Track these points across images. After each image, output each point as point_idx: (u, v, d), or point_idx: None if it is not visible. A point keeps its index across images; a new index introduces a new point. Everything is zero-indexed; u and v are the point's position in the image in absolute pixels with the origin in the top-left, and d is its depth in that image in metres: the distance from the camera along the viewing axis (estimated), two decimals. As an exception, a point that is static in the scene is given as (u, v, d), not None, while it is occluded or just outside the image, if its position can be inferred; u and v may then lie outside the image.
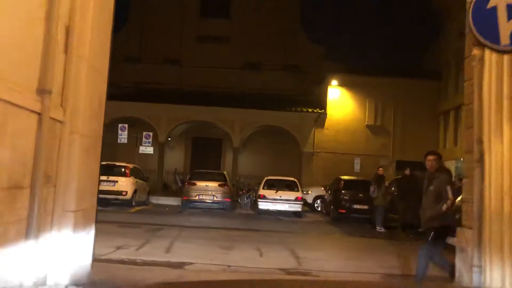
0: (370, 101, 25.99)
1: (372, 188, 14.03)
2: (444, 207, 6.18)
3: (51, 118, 4.60)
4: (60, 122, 4.98)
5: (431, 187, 6.45)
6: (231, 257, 8.65)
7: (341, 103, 26.11)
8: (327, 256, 9.32)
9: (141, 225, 12.30)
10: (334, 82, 25.89)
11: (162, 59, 28.47)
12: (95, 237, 6.22)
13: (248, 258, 8.58)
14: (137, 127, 24.15)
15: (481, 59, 5.78)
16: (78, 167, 5.20)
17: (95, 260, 6.38)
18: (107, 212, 15.48)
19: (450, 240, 8.77)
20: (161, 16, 28.38)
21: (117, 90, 27.47)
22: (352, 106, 26.09)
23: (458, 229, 6.30)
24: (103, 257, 7.69)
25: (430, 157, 6.78)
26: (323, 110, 25.74)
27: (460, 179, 14.52)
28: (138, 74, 28.29)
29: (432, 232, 6.35)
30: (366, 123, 25.98)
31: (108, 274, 6.25)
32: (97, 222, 12.21)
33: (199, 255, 8.50)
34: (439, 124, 26.14)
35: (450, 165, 25.08)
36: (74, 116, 5.14)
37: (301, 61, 28.24)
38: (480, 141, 5.70)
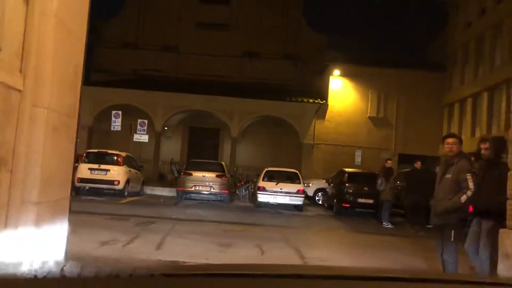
0: (372, 92, 24.89)
1: (379, 181, 12.98)
2: (464, 198, 5.05)
3: (2, 83, 3.52)
4: (18, 91, 3.89)
5: (448, 175, 5.31)
6: (229, 255, 7.62)
7: (343, 94, 25.00)
8: (336, 255, 8.29)
9: (132, 217, 11.23)
10: (336, 72, 24.76)
11: (160, 46, 27.34)
12: (69, 232, 5.13)
13: (248, 257, 7.55)
14: (133, 115, 23.04)
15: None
16: (43, 150, 4.10)
17: (73, 259, 5.32)
18: (97, 202, 14.44)
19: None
20: (159, 1, 27.18)
21: (113, 77, 26.52)
22: (354, 97, 25.00)
23: (502, 231, 5.25)
24: (83, 255, 6.63)
25: (450, 140, 5.71)
26: (324, 101, 24.65)
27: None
28: (135, 60, 27.20)
29: (453, 231, 5.26)
30: (368, 114, 24.91)
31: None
32: (84, 213, 11.16)
33: (193, 253, 7.47)
34: (443, 116, 25.08)
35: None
36: (38, 85, 4.03)
37: (302, 50, 27.15)
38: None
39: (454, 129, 23.99)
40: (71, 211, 10.78)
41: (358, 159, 24.55)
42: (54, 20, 4.11)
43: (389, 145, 25.13)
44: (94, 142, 24.23)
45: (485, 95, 21.02)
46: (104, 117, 23.91)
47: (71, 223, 8.99)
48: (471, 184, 5.09)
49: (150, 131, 23.87)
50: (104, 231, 9.05)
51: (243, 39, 27.13)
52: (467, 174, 5.12)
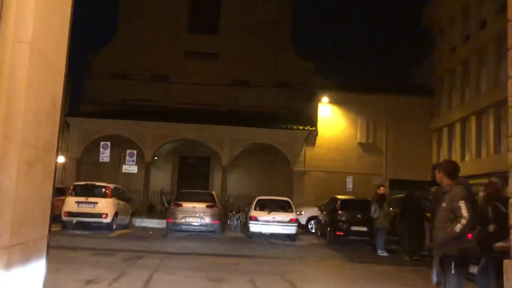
0: (361, 118, 24.82)
1: (373, 208, 12.64)
2: (458, 227, 4.70)
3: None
4: (-14, 124, 3.56)
5: (443, 204, 5.00)
6: (220, 292, 7.18)
7: (332, 120, 24.90)
8: (332, 289, 7.88)
9: (120, 252, 10.73)
10: (325, 99, 24.71)
11: (149, 76, 27.22)
12: (46, 274, 4.70)
13: (240, 294, 7.12)
14: (122, 146, 22.63)
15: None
16: (15, 188, 3.74)
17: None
18: (84, 237, 13.89)
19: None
20: (148, 32, 27.22)
21: (102, 108, 26.22)
22: (344, 124, 24.89)
23: (506, 262, 4.93)
24: (65, 298, 6.18)
25: (436, 171, 5.43)
26: (313, 128, 24.51)
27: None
28: (125, 91, 27.03)
29: (453, 262, 4.89)
30: (358, 140, 24.76)
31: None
32: (69, 249, 10.63)
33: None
34: (432, 141, 25.00)
35: (445, 183, 23.93)
36: (10, 116, 3.71)
37: (291, 78, 27.17)
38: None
39: (444, 154, 23.90)
40: (57, 247, 10.27)
41: (349, 185, 24.27)
42: (29, 48, 3.81)
43: (379, 170, 24.91)
44: (82, 174, 23.71)
45: (473, 119, 21.00)
46: (93, 148, 23.50)
47: (55, 260, 8.48)
48: (464, 212, 4.76)
49: (140, 161, 23.44)
50: (90, 268, 8.57)
51: (232, 67, 27.11)
52: (460, 202, 4.79)
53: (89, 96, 27.22)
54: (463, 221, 4.67)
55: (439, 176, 5.21)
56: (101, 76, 27.34)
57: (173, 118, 24.25)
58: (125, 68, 27.50)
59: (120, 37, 27.84)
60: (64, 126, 28.04)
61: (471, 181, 21.08)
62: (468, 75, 21.77)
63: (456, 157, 22.60)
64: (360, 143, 24.73)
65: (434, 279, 5.52)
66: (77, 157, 24.33)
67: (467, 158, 21.63)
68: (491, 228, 6.76)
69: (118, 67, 27.44)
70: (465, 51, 21.96)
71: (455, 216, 4.76)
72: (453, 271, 4.88)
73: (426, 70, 26.42)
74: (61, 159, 28.29)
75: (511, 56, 4.92)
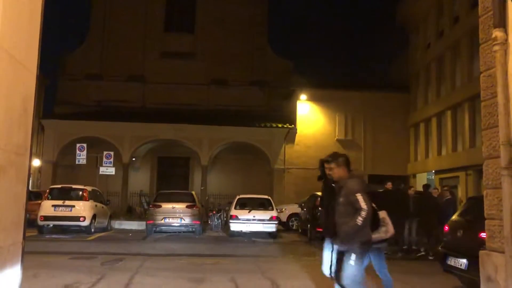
0: (339, 115, 25.05)
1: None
2: (360, 220, 4.73)
3: None
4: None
5: (341, 198, 5.04)
6: (201, 293, 7.15)
7: (310, 117, 25.06)
8: (313, 285, 7.91)
9: (99, 255, 10.57)
10: (303, 97, 24.85)
11: (125, 76, 26.91)
12: (21, 280, 4.62)
13: (222, 293, 7.10)
14: (99, 147, 22.35)
15: (505, 42, 4.61)
16: (-14, 193, 3.66)
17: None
18: (61, 241, 13.67)
19: (452, 262, 7.57)
20: (123, 32, 26.91)
21: (77, 109, 25.81)
22: (322, 121, 25.08)
23: (482, 253, 5.04)
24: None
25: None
26: (292, 126, 24.62)
27: (451, 192, 13.49)
28: (100, 92, 26.67)
29: (353, 254, 4.87)
30: (337, 137, 24.99)
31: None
32: (46, 253, 10.44)
33: (163, 292, 6.97)
34: (409, 136, 25.40)
35: (422, 177, 24.35)
36: (-23, 120, 3.62)
37: (268, 76, 27.23)
38: (510, 143, 4.49)
39: (421, 148, 24.32)
40: (33, 253, 10.08)
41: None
42: (-2, 50, 3.73)
43: (358, 166, 25.07)
44: (59, 178, 23.34)
45: (448, 114, 21.40)
46: (69, 151, 23.10)
47: (31, 266, 8.34)
48: (363, 204, 4.80)
49: (118, 163, 23.15)
50: (68, 272, 8.42)
51: (209, 66, 27.03)
52: (357, 194, 4.84)
53: (63, 98, 26.77)
54: (363, 213, 4.72)
55: (339, 170, 5.24)
56: (75, 77, 26.91)
57: (150, 118, 24.06)
58: (100, 68, 27.15)
59: (94, 37, 27.46)
60: (39, 129, 27.51)
61: (448, 175, 21.57)
62: (443, 70, 22.17)
63: (433, 151, 23.04)
64: (338, 140, 24.96)
65: (327, 271, 5.51)
66: (53, 160, 23.92)
67: (443, 152, 22.04)
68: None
69: (93, 67, 27.07)
70: (440, 47, 22.35)
71: (355, 208, 4.79)
72: (353, 263, 4.87)
73: (402, 66, 26.81)
74: (36, 163, 27.78)
75: (483, 51, 5.02)
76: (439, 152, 22.37)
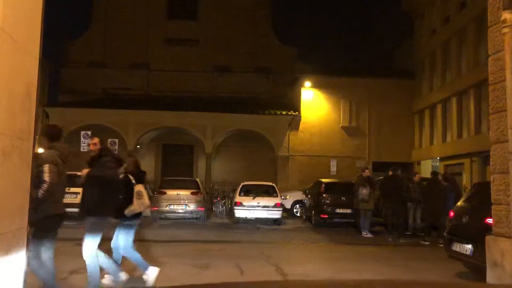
0: (344, 102, 24.89)
1: (365, 191, 12.63)
2: (41, 193, 4.59)
3: None
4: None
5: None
6: (206, 278, 7.17)
7: (315, 104, 24.91)
8: (317, 270, 7.92)
9: (106, 240, 10.60)
10: (307, 84, 24.68)
11: (129, 64, 26.78)
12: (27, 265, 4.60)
13: (226, 278, 7.09)
14: (104, 135, 21.97)
15: (514, 24, 4.51)
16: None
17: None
18: (67, 227, 13.68)
19: (457, 247, 7.54)
20: (126, 19, 26.71)
21: (82, 97, 25.79)
22: (326, 108, 24.93)
23: (488, 238, 5.00)
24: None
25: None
26: (297, 112, 24.47)
27: (447, 178, 13.47)
28: (104, 79, 26.57)
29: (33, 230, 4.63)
30: (341, 124, 24.85)
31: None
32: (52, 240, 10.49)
33: (169, 277, 6.99)
34: (414, 123, 25.24)
35: (426, 164, 24.27)
36: (-21, 104, 3.58)
37: (273, 63, 27.02)
38: (519, 127, 4.43)
39: (426, 135, 24.18)
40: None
41: (333, 169, 24.43)
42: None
43: (363, 153, 25.10)
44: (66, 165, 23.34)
45: (454, 101, 21.23)
46: (73, 139, 23.01)
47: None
48: (46, 176, 4.67)
49: (122, 150, 23.17)
50: (73, 258, 8.44)
51: (213, 53, 26.83)
52: (44, 166, 4.69)
53: (68, 86, 26.73)
54: (45, 185, 4.58)
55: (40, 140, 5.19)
56: (79, 65, 26.82)
57: (154, 106, 23.97)
58: (104, 56, 27.03)
59: (97, 25, 27.30)
60: (43, 117, 27.55)
61: (452, 161, 21.48)
62: (449, 56, 21.94)
63: (437, 138, 22.91)
64: (343, 127, 24.84)
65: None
66: (58, 148, 23.89)
67: (448, 139, 21.91)
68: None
69: (97, 55, 26.96)
70: (445, 33, 22.08)
71: (40, 181, 4.63)
72: (32, 237, 4.63)
73: (407, 53, 26.54)
74: (41, 151, 27.87)
75: (492, 34, 4.92)
76: (444, 139, 22.24)
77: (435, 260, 9.16)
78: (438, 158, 22.86)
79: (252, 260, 8.71)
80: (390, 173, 13.15)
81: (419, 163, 24.59)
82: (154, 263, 8.13)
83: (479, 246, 6.62)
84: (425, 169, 23.44)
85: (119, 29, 26.80)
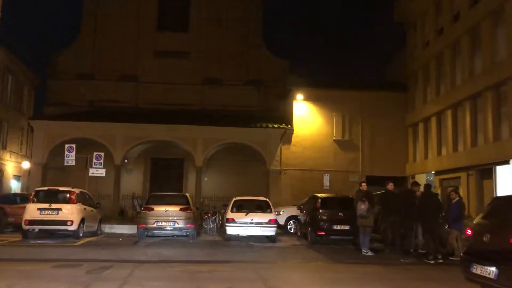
0: (337, 115, 24.21)
1: (363, 206, 11.77)
2: None
3: None
4: None
5: None
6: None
7: (307, 118, 24.19)
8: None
9: (85, 262, 9.63)
10: (300, 96, 23.99)
11: (117, 76, 25.98)
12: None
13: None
14: (90, 149, 21.30)
15: None
16: None
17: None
18: (47, 246, 12.67)
19: (478, 270, 6.67)
20: (115, 30, 26.00)
21: (68, 110, 24.79)
22: (319, 121, 24.21)
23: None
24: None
25: None
26: (289, 126, 23.73)
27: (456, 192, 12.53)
28: (92, 92, 25.74)
29: None
30: (334, 138, 24.13)
31: None
32: (28, 261, 9.48)
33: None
34: (408, 136, 24.59)
35: (421, 178, 23.54)
36: None
37: (264, 75, 26.42)
38: None
39: (420, 149, 23.52)
40: (13, 260, 9.03)
41: (326, 183, 23.67)
42: None
43: (356, 167, 24.37)
44: (49, 180, 22.30)
45: (448, 113, 20.62)
46: (59, 153, 22.01)
47: (8, 276, 7.34)
48: None
49: (109, 164, 22.20)
50: (47, 283, 7.49)
51: (204, 66, 26.16)
52: None
53: (54, 98, 25.78)
54: None
55: None
56: (66, 76, 25.94)
57: (143, 119, 23.14)
58: (92, 68, 26.20)
59: (85, 36, 26.49)
60: (28, 130, 26.47)
61: (448, 175, 20.77)
62: (443, 68, 21.41)
63: (432, 151, 22.25)
64: (336, 140, 24.12)
65: None
66: (42, 162, 22.85)
67: (443, 152, 21.25)
68: None
69: (85, 67, 26.12)
70: (439, 45, 21.59)
71: None
72: None
73: (400, 65, 26.03)
74: (25, 165, 26.73)
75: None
76: (439, 152, 21.58)
77: (450, 282, 8.34)
78: (433, 172, 22.17)
79: (247, 283, 7.80)
80: (391, 187, 12.36)
81: (413, 177, 23.83)
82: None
83: (506, 269, 5.82)
84: (420, 183, 22.68)
85: (108, 40, 26.06)
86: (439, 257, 10.85)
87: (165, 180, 25.10)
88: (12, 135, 28.57)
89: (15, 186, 28.97)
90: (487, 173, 17.98)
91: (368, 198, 11.97)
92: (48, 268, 8.95)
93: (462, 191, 19.63)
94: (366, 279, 8.51)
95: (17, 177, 29.67)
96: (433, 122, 22.04)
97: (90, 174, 18.94)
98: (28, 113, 29.95)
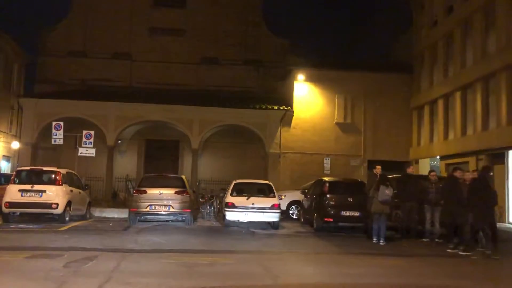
0: (339, 97, 22.73)
1: (387, 191, 10.27)
2: None
3: None
4: None
5: None
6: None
7: (308, 99, 22.69)
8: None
9: (66, 252, 8.18)
10: (301, 77, 22.46)
11: (110, 53, 24.40)
12: None
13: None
14: (83, 129, 19.70)
15: None
16: None
17: None
18: (27, 232, 11.19)
19: None
20: (108, 6, 24.33)
21: (59, 88, 23.18)
22: (321, 103, 22.74)
23: None
24: None
25: None
26: (289, 107, 22.27)
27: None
28: (83, 69, 24.15)
29: None
30: (336, 120, 22.69)
31: None
32: (2, 250, 8.00)
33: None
34: (412, 119, 23.18)
35: (425, 163, 22.29)
36: None
37: (263, 55, 24.88)
38: None
39: (425, 132, 22.17)
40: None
41: (327, 167, 22.34)
42: None
43: (358, 151, 23.02)
44: (39, 161, 20.79)
45: (457, 95, 19.23)
46: (49, 132, 20.42)
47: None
48: None
49: (102, 145, 20.75)
50: (15, 280, 6.04)
51: (201, 44, 24.58)
52: None
53: (44, 76, 24.13)
54: None
55: None
56: (57, 53, 24.27)
57: (137, 98, 21.69)
58: (84, 45, 24.53)
59: (77, 11, 24.77)
60: (18, 109, 24.79)
61: (455, 160, 19.42)
62: (452, 49, 19.96)
63: (438, 135, 20.92)
64: (337, 123, 22.70)
65: None
66: (32, 142, 21.33)
67: (451, 136, 19.91)
68: None
69: (76, 44, 24.46)
70: (448, 24, 20.10)
71: None
72: None
73: (405, 46, 24.47)
74: (15, 145, 25.17)
75: None
76: (446, 136, 20.24)
77: (482, 280, 7.02)
78: (439, 156, 20.86)
79: (254, 279, 6.42)
80: (412, 170, 10.99)
81: (417, 162, 22.57)
82: (127, 286, 5.76)
83: None
84: (423, 168, 21.43)
85: (101, 16, 24.38)
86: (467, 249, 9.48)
87: (160, 162, 23.70)
88: (1, 114, 26.83)
89: (4, 166, 27.39)
90: (498, 158, 16.74)
91: (385, 182, 10.52)
92: (21, 259, 7.51)
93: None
94: (390, 276, 7.17)
95: (7, 158, 28.06)
96: (440, 104, 20.65)
97: (79, 154, 17.43)
98: (18, 91, 28.20)
